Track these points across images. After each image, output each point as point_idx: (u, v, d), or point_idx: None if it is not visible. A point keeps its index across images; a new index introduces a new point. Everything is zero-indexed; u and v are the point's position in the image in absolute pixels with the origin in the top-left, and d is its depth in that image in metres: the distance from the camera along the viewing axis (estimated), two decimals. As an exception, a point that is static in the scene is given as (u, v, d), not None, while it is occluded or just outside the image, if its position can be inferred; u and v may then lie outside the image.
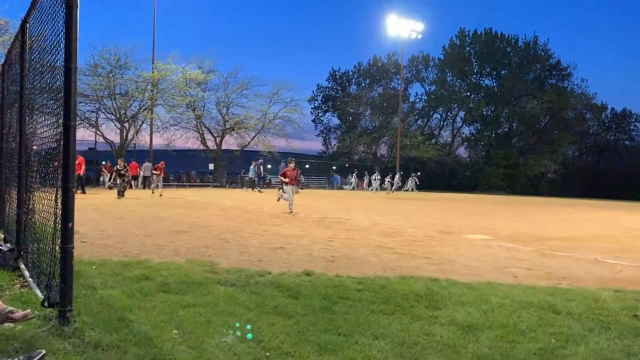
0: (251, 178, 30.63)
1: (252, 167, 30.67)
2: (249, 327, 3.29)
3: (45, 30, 3.79)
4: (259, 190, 28.91)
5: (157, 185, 21.88)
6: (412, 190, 38.12)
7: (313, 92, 57.29)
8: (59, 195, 3.20)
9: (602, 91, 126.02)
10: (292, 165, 13.96)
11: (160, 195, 20.03)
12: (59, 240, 3.11)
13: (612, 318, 3.84)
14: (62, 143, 3.13)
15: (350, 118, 55.65)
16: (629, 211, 22.23)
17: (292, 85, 40.64)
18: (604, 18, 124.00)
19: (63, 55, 3.12)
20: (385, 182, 37.39)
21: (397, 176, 37.50)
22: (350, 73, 57.36)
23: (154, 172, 22.82)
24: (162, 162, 22.43)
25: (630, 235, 11.00)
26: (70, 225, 3.05)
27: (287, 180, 13.57)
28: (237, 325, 3.30)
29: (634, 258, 7.36)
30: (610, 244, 9.05)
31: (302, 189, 32.35)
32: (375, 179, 36.74)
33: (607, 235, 10.75)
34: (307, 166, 49.14)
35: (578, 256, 7.34)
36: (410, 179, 39.10)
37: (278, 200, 14.13)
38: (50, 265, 3.37)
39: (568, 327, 3.59)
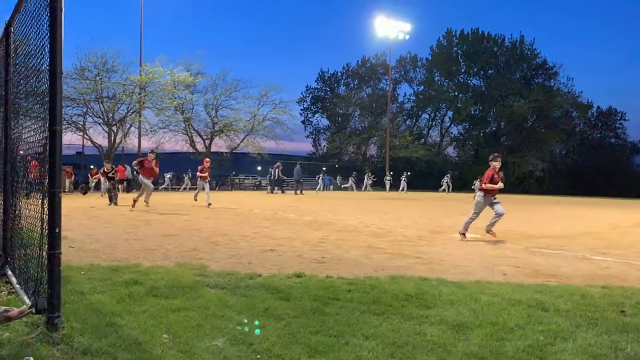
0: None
1: (295, 170, 31.96)
2: (257, 322, 3.41)
3: (30, 34, 3.75)
4: (281, 192, 29.99)
5: (204, 191, 16.50)
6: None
7: (302, 93, 57.40)
8: (45, 201, 3.17)
9: (587, 89, 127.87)
10: (498, 163, 9.13)
11: (209, 204, 15.43)
12: (46, 246, 3.08)
13: (600, 314, 3.89)
14: (48, 148, 3.10)
15: (339, 119, 55.75)
16: (615, 208, 22.49)
17: (280, 87, 40.61)
18: (588, 17, 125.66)
19: (48, 59, 3.10)
20: (442, 183, 39.23)
21: (448, 176, 39.22)
22: (339, 74, 57.51)
23: (199, 174, 17.15)
24: (207, 160, 17.37)
25: (617, 232, 11.13)
26: (57, 230, 3.03)
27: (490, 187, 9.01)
28: (228, 328, 3.29)
29: (621, 254, 7.45)
30: (597, 241, 9.15)
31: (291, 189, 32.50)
32: (404, 180, 38.16)
33: (595, 232, 10.87)
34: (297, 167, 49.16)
35: (566, 253, 7.41)
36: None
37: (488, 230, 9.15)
38: (37, 272, 3.34)
39: (556, 324, 3.62)
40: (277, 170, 30.59)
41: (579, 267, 6.23)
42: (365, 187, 40.26)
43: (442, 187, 39.45)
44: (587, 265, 6.45)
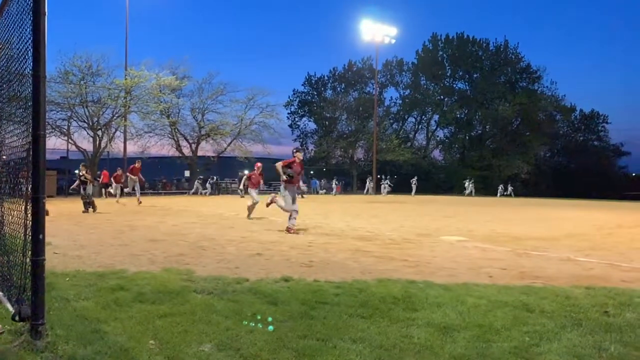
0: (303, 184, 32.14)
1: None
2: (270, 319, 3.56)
3: (13, 38, 3.71)
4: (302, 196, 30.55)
5: (253, 202, 13.48)
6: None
7: (289, 97, 57.40)
8: (29, 206, 3.13)
9: (571, 93, 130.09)
10: None
11: (248, 216, 13.22)
12: (30, 252, 3.04)
13: (584, 315, 3.94)
14: (31, 153, 3.07)
15: (326, 123, 55.83)
16: (598, 210, 22.81)
17: (267, 91, 40.36)
18: (570, 23, 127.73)
19: (31, 63, 3.07)
20: (467, 187, 42.62)
21: (468, 182, 42.56)
22: (326, 78, 57.68)
23: (250, 181, 14.12)
24: (258, 164, 14.39)
25: (600, 233, 11.28)
26: (41, 236, 2.99)
27: None
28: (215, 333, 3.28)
29: (604, 255, 7.55)
30: (581, 243, 9.26)
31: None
32: (413, 183, 40.32)
33: (579, 234, 11.01)
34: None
35: (551, 255, 7.50)
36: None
37: None
38: (21, 278, 3.29)
39: (541, 325, 3.66)
40: None
41: (563, 269, 6.30)
42: (367, 191, 40.92)
43: (468, 191, 41.81)
44: (572, 266, 6.53)
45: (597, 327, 3.62)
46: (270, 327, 3.41)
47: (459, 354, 3.03)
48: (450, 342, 3.26)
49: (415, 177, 41.45)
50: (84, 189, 15.54)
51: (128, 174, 21.35)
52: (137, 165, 21.01)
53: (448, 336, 3.37)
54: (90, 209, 15.06)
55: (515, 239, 9.68)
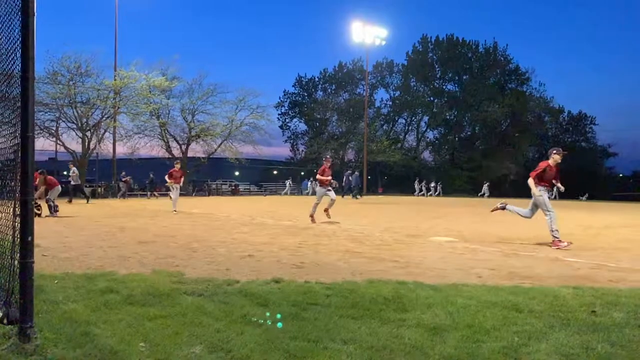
0: (353, 186, 33.40)
1: (354, 176, 33.89)
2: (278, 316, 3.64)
3: (1, 38, 3.68)
4: (356, 197, 32.17)
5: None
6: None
7: (280, 98, 57.48)
8: (17, 208, 3.10)
9: (559, 94, 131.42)
10: None
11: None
12: (18, 254, 3.02)
13: (572, 315, 3.98)
14: (20, 155, 3.04)
15: (317, 124, 55.95)
16: (586, 210, 23.05)
17: (258, 92, 40.34)
18: (559, 26, 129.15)
19: (19, 64, 3.04)
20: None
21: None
22: (316, 79, 57.88)
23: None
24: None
25: (588, 234, 11.41)
26: (29, 238, 2.96)
27: None
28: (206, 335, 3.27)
29: (592, 255, 7.63)
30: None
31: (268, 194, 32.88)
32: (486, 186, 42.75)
33: (567, 234, 11.07)
34: (275, 172, 49.18)
35: (540, 255, 7.56)
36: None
37: None
38: (9, 281, 3.26)
39: (530, 324, 3.70)
40: (350, 177, 32.73)
41: (552, 269, 6.36)
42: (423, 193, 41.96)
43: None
44: (560, 266, 6.59)
45: (585, 327, 3.66)
46: (279, 324, 3.50)
47: (449, 354, 3.05)
48: (440, 342, 3.28)
49: (487, 183, 42.95)
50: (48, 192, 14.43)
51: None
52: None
53: (438, 336, 3.39)
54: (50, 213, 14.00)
55: (504, 239, 9.75)
